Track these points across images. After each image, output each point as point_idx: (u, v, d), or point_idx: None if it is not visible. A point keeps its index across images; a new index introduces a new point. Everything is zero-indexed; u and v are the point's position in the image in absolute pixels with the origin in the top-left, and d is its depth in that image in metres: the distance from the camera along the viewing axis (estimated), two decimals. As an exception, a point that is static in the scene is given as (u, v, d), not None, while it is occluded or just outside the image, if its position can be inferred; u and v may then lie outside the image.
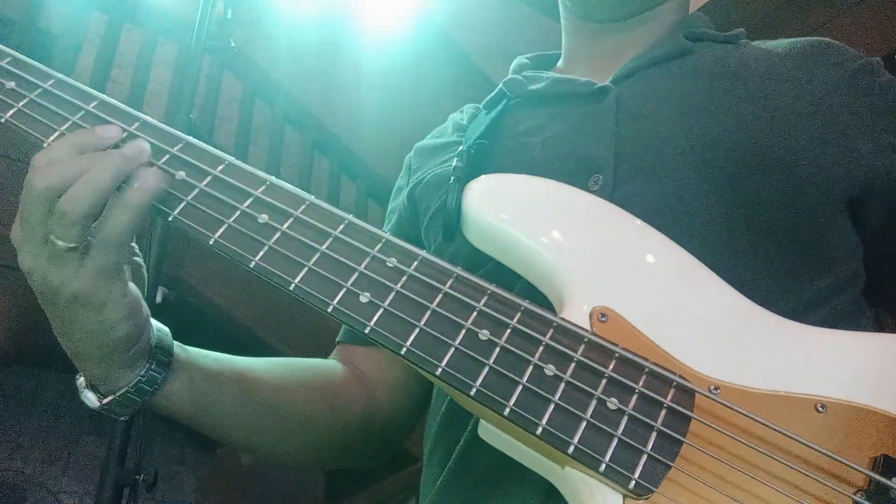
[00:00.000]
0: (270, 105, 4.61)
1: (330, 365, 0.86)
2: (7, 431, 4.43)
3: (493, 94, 0.88)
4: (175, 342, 0.70)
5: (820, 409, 0.55)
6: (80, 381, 0.67)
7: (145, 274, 0.70)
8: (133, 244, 0.68)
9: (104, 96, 0.71)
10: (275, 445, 0.80)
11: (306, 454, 0.83)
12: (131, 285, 0.65)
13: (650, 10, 0.87)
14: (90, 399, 0.67)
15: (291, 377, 0.80)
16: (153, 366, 0.67)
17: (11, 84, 0.70)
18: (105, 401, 0.66)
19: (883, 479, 0.51)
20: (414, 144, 0.97)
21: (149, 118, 0.70)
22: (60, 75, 0.72)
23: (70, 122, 0.68)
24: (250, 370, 0.75)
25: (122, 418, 0.68)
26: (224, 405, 0.72)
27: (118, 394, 0.66)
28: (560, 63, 0.95)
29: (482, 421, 0.60)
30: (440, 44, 4.97)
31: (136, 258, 0.69)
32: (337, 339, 0.91)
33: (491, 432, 0.59)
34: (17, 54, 0.73)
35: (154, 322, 0.69)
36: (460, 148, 0.78)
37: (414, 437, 0.91)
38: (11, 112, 0.69)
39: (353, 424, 0.82)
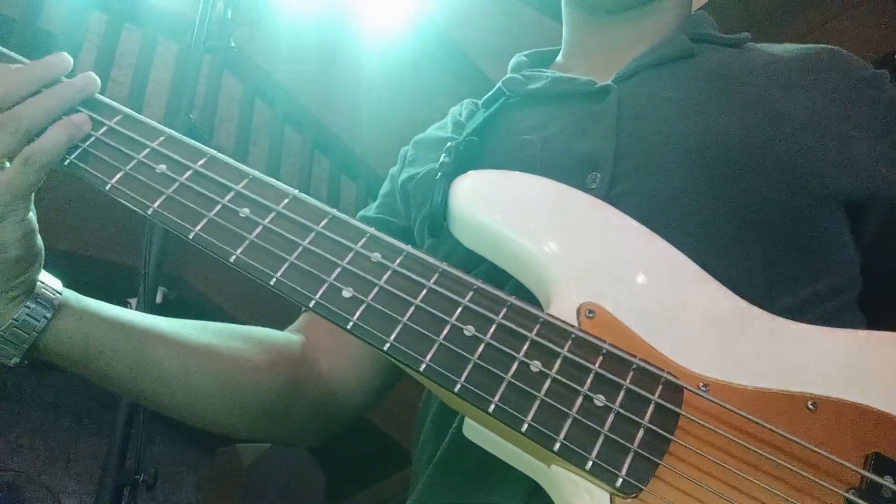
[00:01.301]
0: (270, 105, 4.61)
1: (266, 333, 0.84)
2: (7, 431, 4.43)
3: (491, 91, 0.88)
4: (74, 292, 0.71)
5: (811, 406, 0.54)
6: None
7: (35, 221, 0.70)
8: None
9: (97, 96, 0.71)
10: (183, 405, 0.77)
11: (223, 418, 0.79)
12: (32, 211, 0.65)
13: (651, 2, 0.86)
14: None
15: (209, 338, 0.77)
16: (38, 300, 0.67)
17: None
18: None
19: (875, 477, 0.50)
20: (414, 145, 0.97)
21: (132, 112, 0.70)
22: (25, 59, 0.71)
23: None
24: (152, 326, 0.74)
25: (12, 361, 0.67)
26: (115, 355, 0.71)
27: (3, 327, 0.65)
28: (559, 58, 0.94)
29: (467, 419, 0.59)
30: (440, 43, 4.97)
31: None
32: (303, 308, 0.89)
33: (476, 430, 0.59)
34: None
35: (45, 272, 0.69)
36: (448, 144, 0.77)
37: (414, 437, 0.90)
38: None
39: (276, 392, 0.79)
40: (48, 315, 0.67)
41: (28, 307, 0.66)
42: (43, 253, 0.68)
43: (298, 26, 4.59)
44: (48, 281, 0.69)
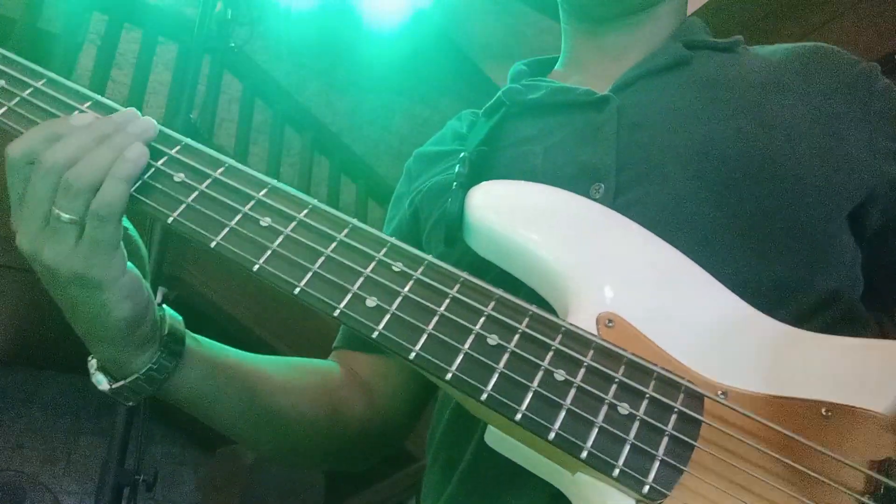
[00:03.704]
0: (270, 105, 4.60)
1: (330, 367, 0.86)
2: (7, 431, 4.43)
3: (491, 101, 0.88)
4: (188, 332, 0.70)
5: (825, 413, 0.55)
6: (92, 362, 0.68)
7: (145, 254, 0.70)
8: (128, 224, 0.68)
9: (98, 96, 0.70)
10: (276, 444, 0.81)
11: (306, 455, 0.85)
12: (129, 266, 0.65)
13: (648, 8, 0.87)
14: (101, 381, 0.67)
15: (297, 379, 0.80)
16: (164, 354, 0.67)
17: (2, 83, 0.70)
18: (115, 385, 0.67)
19: (890, 482, 0.51)
20: (413, 144, 0.97)
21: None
22: (53, 74, 0.72)
23: None
24: (260, 370, 0.76)
25: (129, 403, 0.69)
26: (231, 402, 0.73)
27: (129, 380, 0.66)
28: (558, 66, 0.95)
29: (490, 427, 0.60)
30: (439, 43, 4.98)
31: (132, 236, 0.69)
32: (334, 346, 0.91)
33: (498, 438, 0.59)
34: (10, 53, 0.73)
35: (168, 310, 0.70)
36: (462, 154, 0.77)
37: (414, 436, 0.91)
38: (2, 111, 0.69)
39: (353, 427, 0.83)
40: (173, 368, 0.68)
41: (153, 363, 0.66)
42: (153, 299, 0.67)
43: (298, 26, 4.60)
44: (174, 325, 0.69)
